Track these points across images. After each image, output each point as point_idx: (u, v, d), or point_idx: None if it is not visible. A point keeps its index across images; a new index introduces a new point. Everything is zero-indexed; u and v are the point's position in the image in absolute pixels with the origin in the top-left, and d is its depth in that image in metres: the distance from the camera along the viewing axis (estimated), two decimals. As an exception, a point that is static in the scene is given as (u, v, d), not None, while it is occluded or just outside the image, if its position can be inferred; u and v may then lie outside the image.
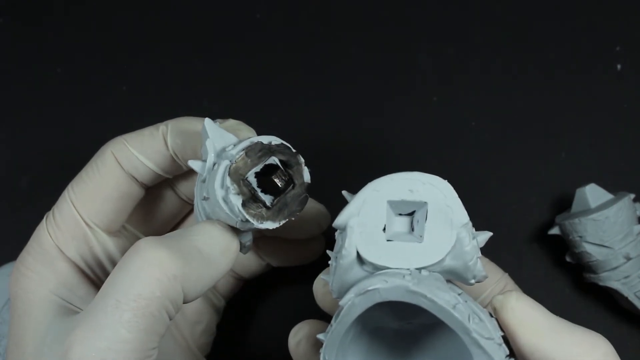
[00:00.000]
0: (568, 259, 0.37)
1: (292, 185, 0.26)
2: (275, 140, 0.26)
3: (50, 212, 0.29)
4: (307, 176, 0.27)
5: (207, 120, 0.27)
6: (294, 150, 0.26)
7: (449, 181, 0.25)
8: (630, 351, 0.37)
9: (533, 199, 0.39)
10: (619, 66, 0.41)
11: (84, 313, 0.24)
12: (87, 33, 0.44)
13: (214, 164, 0.26)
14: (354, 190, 0.26)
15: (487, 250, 0.39)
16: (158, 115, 0.42)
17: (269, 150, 0.26)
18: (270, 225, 0.26)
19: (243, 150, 0.25)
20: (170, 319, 0.24)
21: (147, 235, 0.33)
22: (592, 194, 0.35)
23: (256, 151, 0.25)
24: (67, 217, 0.28)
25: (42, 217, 0.29)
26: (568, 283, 0.38)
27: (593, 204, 0.35)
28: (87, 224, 0.29)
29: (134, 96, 0.43)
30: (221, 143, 0.26)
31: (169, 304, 0.24)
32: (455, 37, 0.42)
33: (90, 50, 0.44)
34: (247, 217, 0.25)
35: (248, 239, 0.28)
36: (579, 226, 0.34)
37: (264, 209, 0.26)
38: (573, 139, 0.40)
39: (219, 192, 0.25)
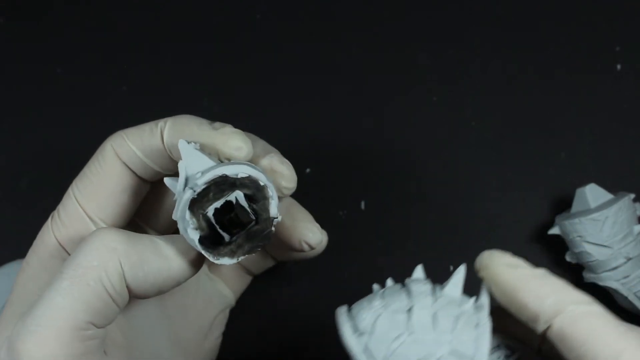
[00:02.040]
0: (568, 259, 0.37)
1: (254, 221, 0.25)
2: (243, 172, 0.25)
3: (56, 210, 0.29)
4: (273, 211, 0.26)
5: (182, 142, 0.26)
6: (262, 184, 0.25)
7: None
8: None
9: (533, 199, 0.39)
10: (619, 66, 0.41)
11: None
12: (87, 33, 0.44)
13: (183, 189, 0.25)
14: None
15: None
16: (158, 115, 0.42)
17: (234, 184, 0.25)
18: (227, 261, 0.25)
19: (206, 183, 0.24)
20: (116, 303, 0.24)
21: (156, 229, 0.33)
22: (592, 194, 0.35)
23: (220, 185, 0.25)
24: (72, 214, 0.28)
25: (42, 217, 0.29)
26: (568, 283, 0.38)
27: (593, 204, 0.35)
28: (92, 220, 0.28)
29: (134, 96, 0.43)
30: (193, 167, 0.25)
31: (106, 277, 0.24)
32: (455, 37, 0.42)
33: (90, 50, 0.44)
34: (203, 252, 0.25)
35: None
36: (579, 226, 0.34)
37: (221, 246, 0.25)
38: (573, 139, 0.40)
39: (180, 224, 0.25)
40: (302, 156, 0.41)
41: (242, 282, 0.36)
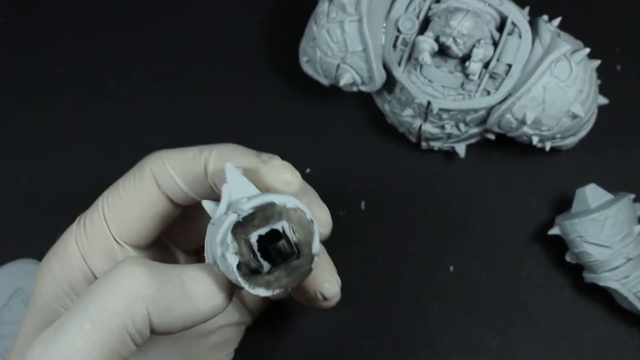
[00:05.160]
0: (568, 259, 0.37)
1: (295, 255, 0.24)
2: (291, 202, 0.24)
3: (83, 217, 0.29)
4: (316, 248, 0.25)
5: (229, 165, 0.25)
6: (309, 218, 0.24)
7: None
8: (630, 351, 0.37)
9: (533, 199, 0.39)
10: (618, 66, 0.41)
11: (60, 317, 0.24)
12: (87, 33, 0.44)
13: (225, 213, 0.25)
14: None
15: (487, 250, 0.39)
16: (158, 115, 0.42)
17: (280, 213, 0.24)
18: (261, 292, 0.24)
19: (253, 208, 0.24)
20: (135, 343, 0.24)
21: (181, 248, 0.32)
22: (592, 194, 0.35)
23: (266, 212, 0.24)
24: (97, 228, 0.28)
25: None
26: (568, 283, 0.38)
27: (593, 204, 0.35)
28: (115, 240, 0.28)
29: (134, 96, 0.43)
30: (238, 193, 0.25)
31: (131, 324, 0.23)
32: (455, 37, 0.42)
33: (90, 50, 0.44)
34: (240, 279, 0.24)
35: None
36: (579, 226, 0.34)
37: (259, 274, 0.24)
38: (573, 139, 0.40)
39: (218, 248, 0.24)
40: (302, 156, 0.41)
41: (261, 302, 0.34)
